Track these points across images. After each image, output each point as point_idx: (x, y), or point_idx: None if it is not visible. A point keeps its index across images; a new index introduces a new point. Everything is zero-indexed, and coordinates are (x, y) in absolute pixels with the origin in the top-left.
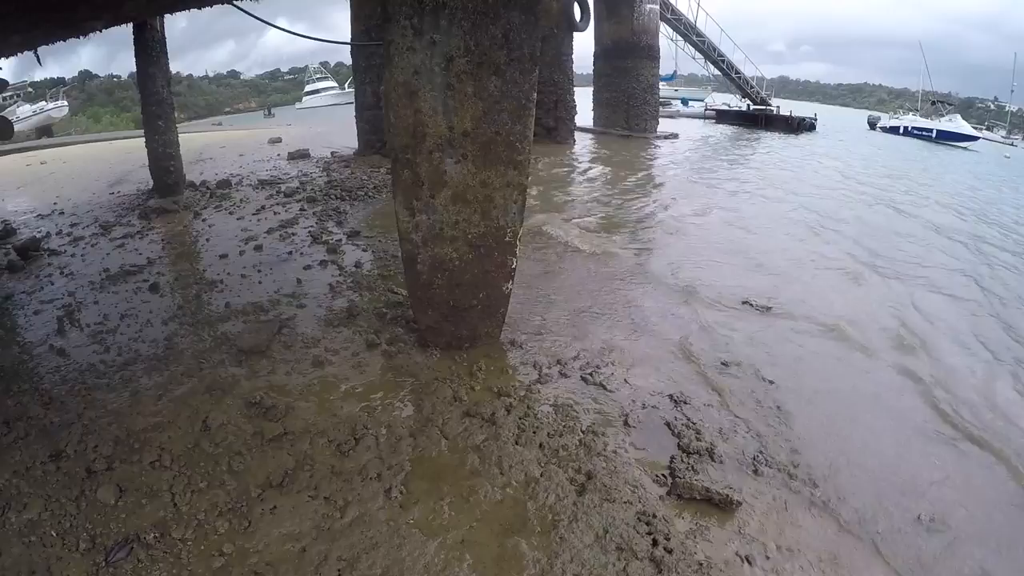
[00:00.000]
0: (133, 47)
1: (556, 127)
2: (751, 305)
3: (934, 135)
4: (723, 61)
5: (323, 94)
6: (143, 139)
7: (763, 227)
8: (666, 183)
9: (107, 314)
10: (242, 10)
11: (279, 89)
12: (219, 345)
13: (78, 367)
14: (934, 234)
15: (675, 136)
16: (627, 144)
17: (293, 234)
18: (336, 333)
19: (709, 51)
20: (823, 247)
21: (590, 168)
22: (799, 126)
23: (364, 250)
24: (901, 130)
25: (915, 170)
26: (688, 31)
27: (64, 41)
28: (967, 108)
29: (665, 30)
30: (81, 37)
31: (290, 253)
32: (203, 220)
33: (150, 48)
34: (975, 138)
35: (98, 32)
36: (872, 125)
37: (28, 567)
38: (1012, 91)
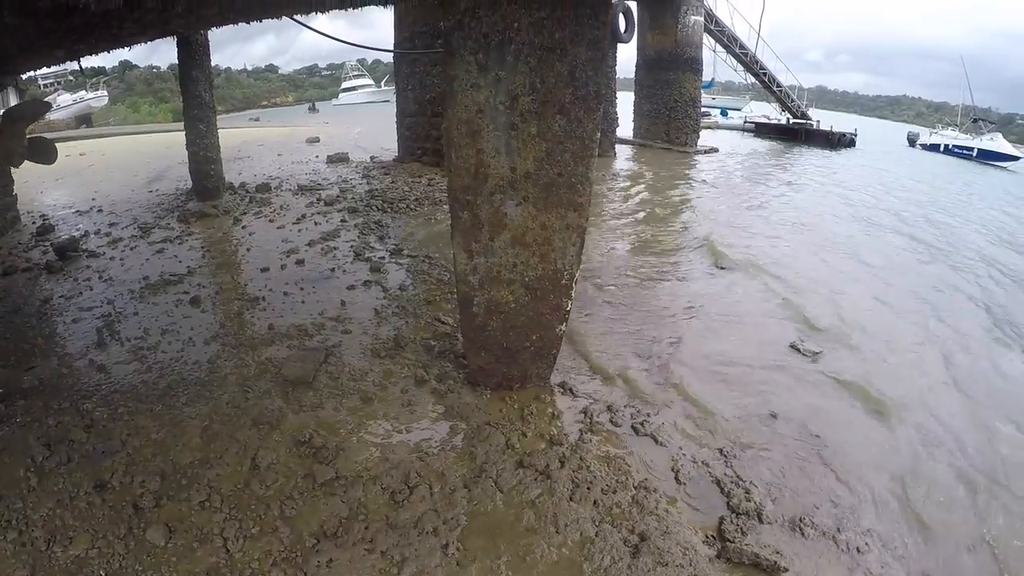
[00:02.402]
0: (176, 48)
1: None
2: (797, 350)
3: (975, 154)
4: (764, 74)
5: (360, 91)
6: (182, 133)
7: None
8: (705, 217)
9: (147, 328)
10: (292, 19)
11: (316, 84)
12: (263, 372)
13: (119, 387)
14: None
15: (715, 150)
16: (668, 158)
17: (335, 248)
18: (383, 365)
19: (751, 63)
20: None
21: (635, 187)
22: (839, 142)
23: (408, 270)
24: (941, 148)
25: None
26: (731, 43)
27: (108, 52)
28: (1006, 124)
29: (707, 41)
30: (127, 49)
31: (332, 270)
32: (243, 227)
33: (194, 52)
34: (1016, 158)
35: None
36: (911, 142)
37: None
38: None
